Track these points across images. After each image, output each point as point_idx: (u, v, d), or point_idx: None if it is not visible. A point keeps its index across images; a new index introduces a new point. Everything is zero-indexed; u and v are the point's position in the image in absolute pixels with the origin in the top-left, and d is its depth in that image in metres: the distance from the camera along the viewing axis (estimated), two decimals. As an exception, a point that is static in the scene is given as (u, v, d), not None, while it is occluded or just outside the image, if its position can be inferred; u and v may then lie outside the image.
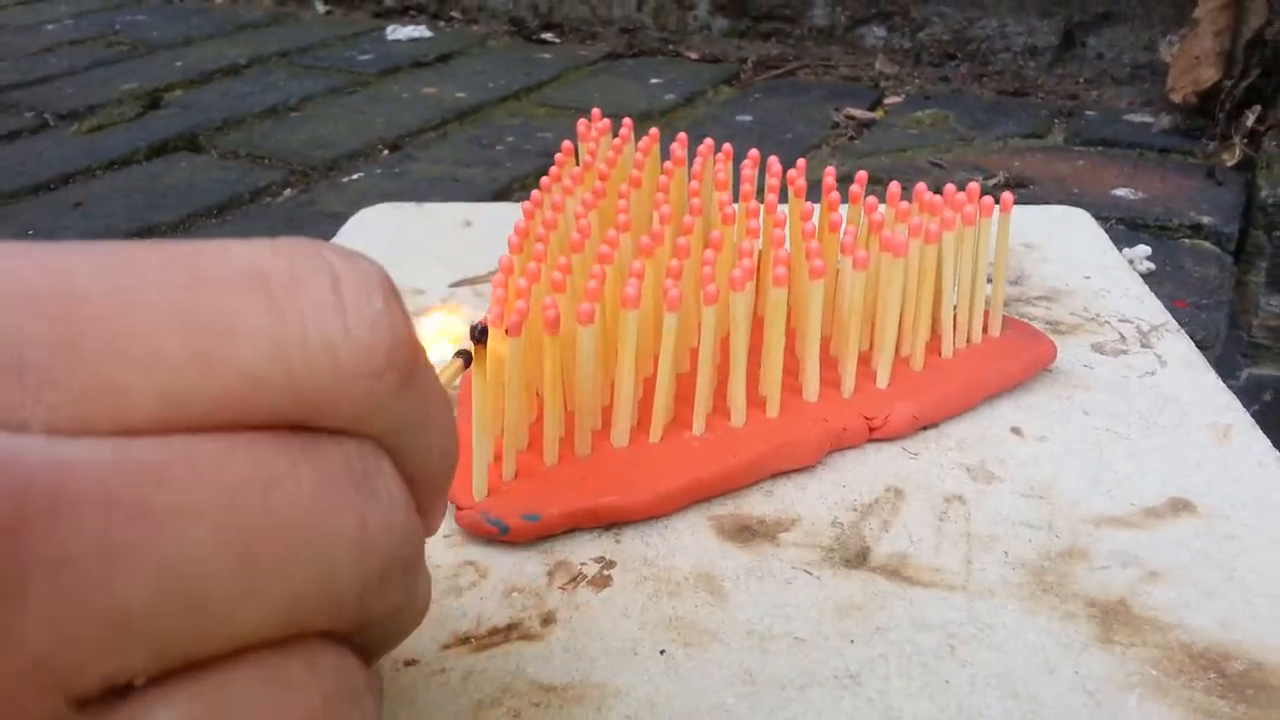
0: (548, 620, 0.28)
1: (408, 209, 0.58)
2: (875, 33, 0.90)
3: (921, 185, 0.38)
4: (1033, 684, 0.26)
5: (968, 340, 0.39)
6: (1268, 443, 0.36)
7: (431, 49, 1.01)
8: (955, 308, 0.39)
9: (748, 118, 0.79)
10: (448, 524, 0.32)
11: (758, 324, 0.36)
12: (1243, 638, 0.27)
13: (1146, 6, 0.79)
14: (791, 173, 0.41)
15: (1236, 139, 0.64)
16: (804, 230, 0.36)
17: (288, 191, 0.66)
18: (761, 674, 0.26)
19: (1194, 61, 0.70)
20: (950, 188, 0.38)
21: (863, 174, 0.40)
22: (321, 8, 1.19)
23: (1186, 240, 0.54)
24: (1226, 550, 0.30)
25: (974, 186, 0.38)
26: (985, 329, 0.40)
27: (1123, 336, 0.42)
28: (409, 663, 0.27)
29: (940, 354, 0.38)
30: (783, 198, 0.40)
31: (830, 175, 0.40)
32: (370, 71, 0.94)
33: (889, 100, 0.81)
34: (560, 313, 0.31)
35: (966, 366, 0.38)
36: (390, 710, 0.25)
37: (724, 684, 0.26)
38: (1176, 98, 0.69)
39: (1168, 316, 0.44)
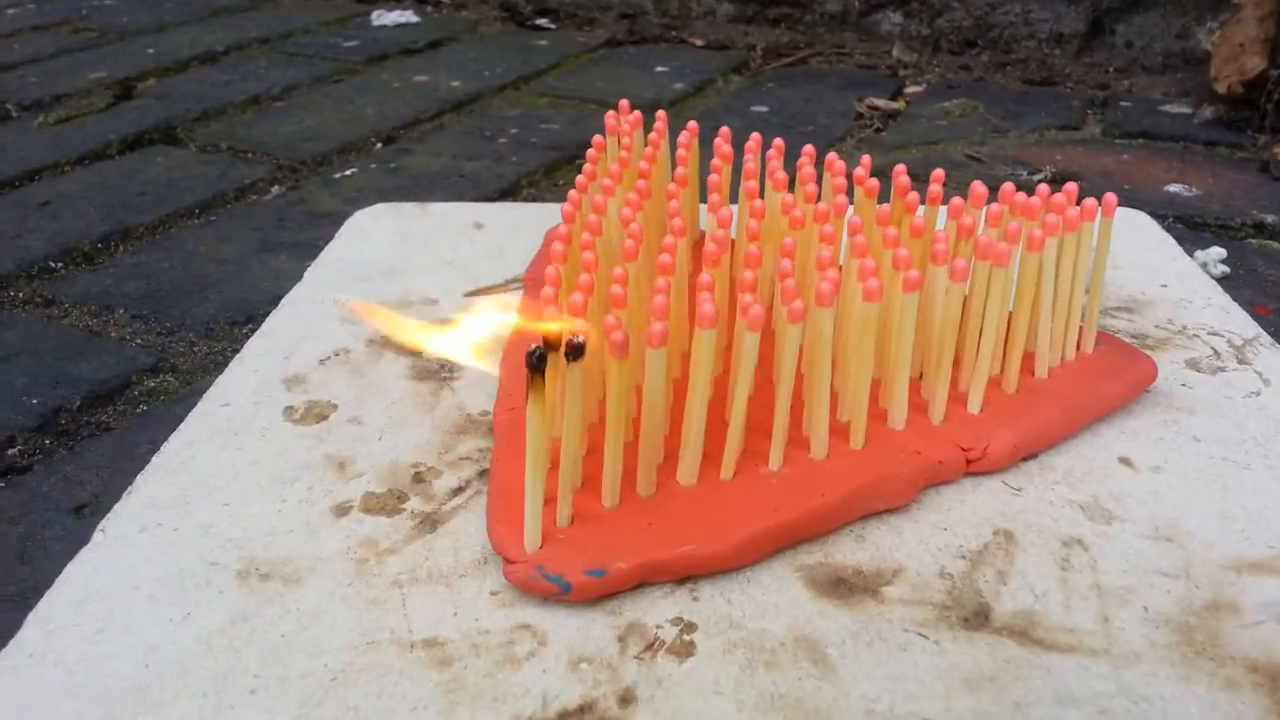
0: (626, 699, 0.24)
1: (409, 209, 0.54)
2: (891, 19, 0.86)
3: (1009, 185, 0.35)
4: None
5: (1062, 359, 0.35)
6: None
7: (420, 35, 0.96)
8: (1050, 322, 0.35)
9: (764, 108, 0.75)
10: (495, 578, 0.28)
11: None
12: None
13: (1180, -7, 0.76)
14: (858, 171, 0.37)
15: (1286, 131, 0.61)
16: (886, 237, 0.32)
17: (275, 189, 0.61)
18: (889, 766, 0.22)
19: (1238, 49, 0.67)
20: (1043, 188, 0.35)
21: (939, 172, 0.36)
22: (300, -8, 1.13)
23: (1253, 240, 0.51)
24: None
25: (1072, 187, 0.34)
26: (1079, 345, 0.36)
27: (1216, 352, 0.39)
28: (467, 756, 0.23)
29: (1034, 374, 0.35)
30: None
31: (902, 173, 0.36)
32: (357, 59, 0.90)
33: (910, 90, 0.77)
34: (628, 333, 0.27)
35: (1065, 389, 0.34)
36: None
37: (846, 779, 0.22)
38: (1221, 88, 0.66)
39: (1259, 329, 0.40)
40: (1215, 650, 0.25)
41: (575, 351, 0.26)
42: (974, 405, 0.33)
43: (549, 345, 0.26)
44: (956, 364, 0.33)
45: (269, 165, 0.65)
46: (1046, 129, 0.68)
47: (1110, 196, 0.35)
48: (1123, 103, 0.73)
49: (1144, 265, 0.46)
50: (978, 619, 0.26)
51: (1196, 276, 0.45)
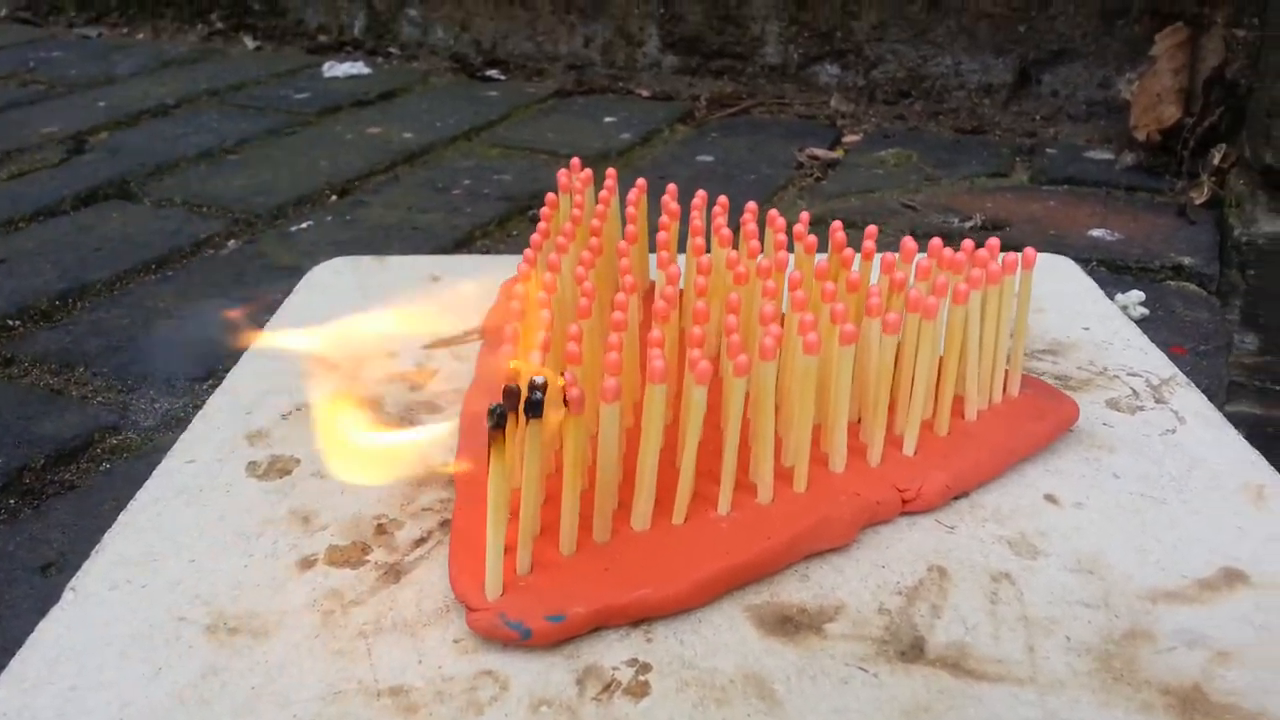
0: (586, 738, 0.25)
1: (367, 263, 0.55)
2: (829, 70, 0.90)
3: (937, 241, 0.37)
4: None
5: (989, 401, 0.38)
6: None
7: (372, 86, 0.98)
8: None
9: (709, 158, 0.77)
10: (458, 626, 0.29)
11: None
12: (1330, 726, 0.26)
13: (1100, 44, 0.80)
14: (798, 227, 0.39)
15: (1204, 177, 0.65)
16: (824, 291, 0.34)
17: (232, 243, 0.62)
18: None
19: (1155, 99, 0.71)
20: (968, 244, 0.37)
21: (873, 228, 0.39)
22: (251, 43, 1.15)
23: (1171, 282, 0.54)
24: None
25: (994, 242, 0.37)
26: (1005, 389, 0.38)
27: (1135, 392, 0.41)
28: (435, 798, 0.24)
29: (965, 417, 0.37)
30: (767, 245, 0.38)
31: (839, 229, 0.39)
32: (309, 110, 0.91)
33: (847, 139, 0.80)
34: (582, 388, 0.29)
35: (993, 431, 0.36)
36: None
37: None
38: (1140, 135, 0.70)
39: (1175, 369, 0.43)
40: (1132, 676, 0.27)
41: (534, 408, 0.27)
42: (909, 448, 0.35)
43: (509, 402, 0.28)
44: (892, 409, 0.35)
45: (224, 219, 0.65)
46: (977, 176, 0.71)
47: (1030, 251, 0.37)
48: (1049, 150, 0.77)
49: (1068, 309, 0.49)
50: (914, 652, 0.28)
51: (1117, 319, 0.48)
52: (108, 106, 0.91)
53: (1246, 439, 0.60)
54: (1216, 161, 0.65)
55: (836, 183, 0.71)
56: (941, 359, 0.36)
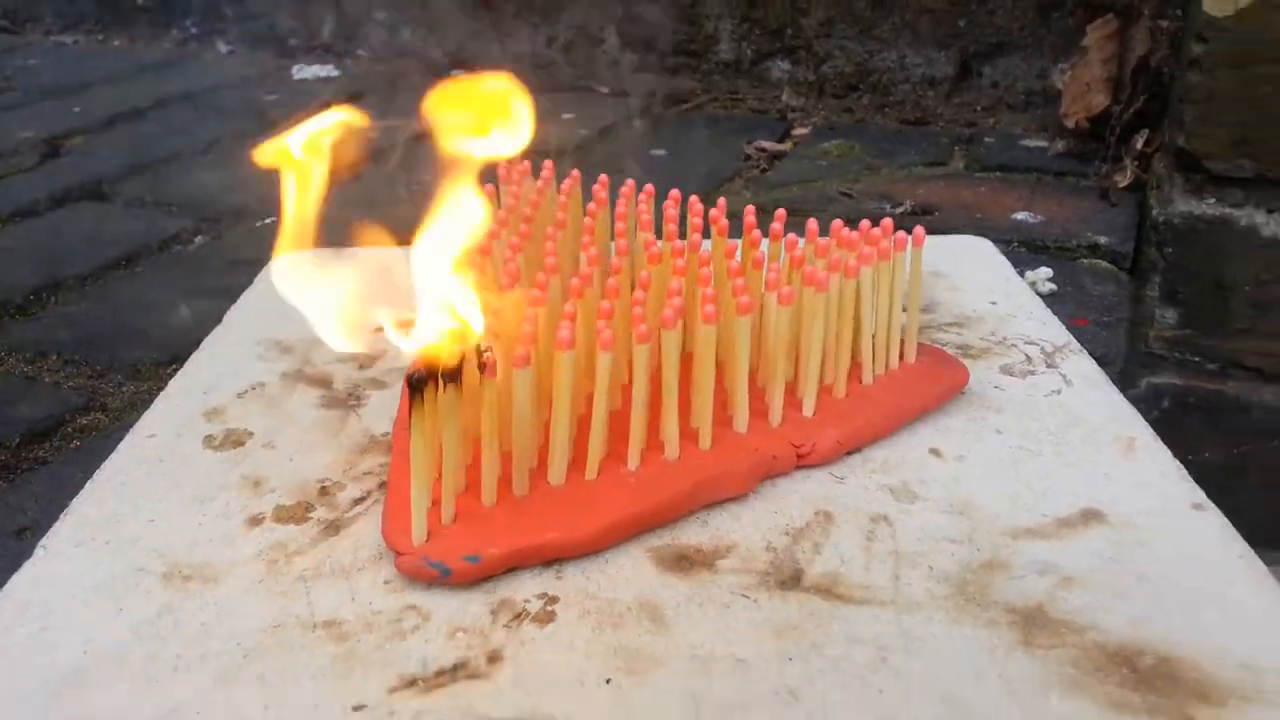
0: (494, 658, 0.29)
1: (326, 254, 0.58)
2: (780, 66, 0.93)
3: (839, 222, 0.41)
4: (961, 689, 0.28)
5: (886, 367, 0.41)
6: (1169, 454, 0.39)
7: (340, 89, 1.01)
8: (874, 337, 0.41)
9: (662, 151, 0.81)
10: (388, 570, 0.32)
11: (686, 359, 0.38)
12: (1152, 635, 0.29)
13: (1037, 37, 0.84)
14: (713, 212, 0.43)
15: (1128, 161, 0.68)
16: (729, 268, 0.38)
17: (199, 239, 0.65)
18: (705, 696, 0.27)
19: (1084, 88, 0.74)
20: (865, 224, 0.41)
21: (782, 211, 0.42)
22: (224, 48, 1.18)
23: (1085, 260, 0.58)
24: (1136, 556, 0.33)
25: (888, 222, 0.40)
26: (902, 356, 0.42)
27: (1029, 358, 0.45)
28: (357, 708, 0.27)
29: (861, 381, 0.40)
30: (706, 235, 0.42)
31: (750, 213, 0.42)
32: (278, 112, 0.94)
33: (797, 132, 0.84)
34: (497, 357, 0.32)
35: (887, 393, 0.40)
36: (344, 758, 0.26)
37: (669, 709, 0.27)
38: (1070, 123, 0.74)
39: (1070, 337, 0.47)
40: (983, 598, 0.31)
41: (450, 375, 0.31)
42: (808, 410, 0.39)
43: (428, 370, 0.31)
44: (797, 375, 0.39)
45: (193, 217, 0.69)
46: (915, 165, 0.75)
47: (919, 229, 0.41)
48: (986, 139, 0.81)
49: (979, 286, 0.52)
50: (792, 581, 0.32)
51: (1024, 294, 0.52)
52: (82, 111, 0.95)
53: (1167, 408, 0.64)
54: (1140, 146, 0.69)
55: (780, 173, 0.75)
56: (840, 329, 0.39)
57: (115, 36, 1.26)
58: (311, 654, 0.29)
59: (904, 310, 0.42)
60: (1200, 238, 0.63)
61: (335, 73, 1.07)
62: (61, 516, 0.36)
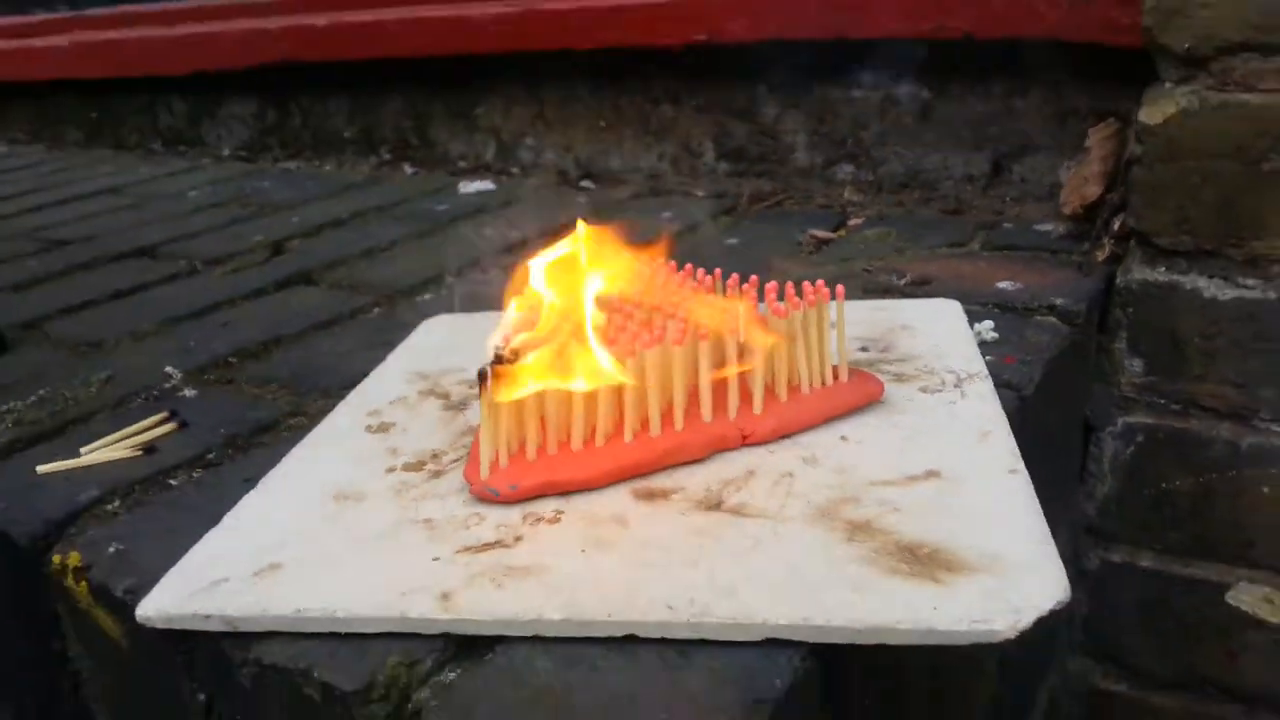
0: (519, 539, 0.47)
1: (462, 317, 0.80)
2: (844, 169, 1.10)
3: (790, 284, 0.57)
4: (801, 560, 0.44)
5: (822, 382, 0.58)
6: (1014, 443, 0.53)
7: (495, 199, 1.25)
8: (811, 360, 0.57)
9: (735, 240, 0.99)
10: (466, 497, 0.51)
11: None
12: (934, 539, 0.44)
13: (1057, 139, 0.98)
14: (706, 277, 0.61)
15: (1105, 240, 0.81)
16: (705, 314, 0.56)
17: (376, 310, 0.88)
18: (640, 561, 0.45)
19: (1083, 181, 0.88)
20: (806, 284, 0.58)
21: (773, 283, 0.59)
22: (409, 170, 1.45)
23: (1037, 317, 0.72)
24: (949, 497, 0.48)
25: (821, 283, 0.57)
26: (836, 376, 0.58)
27: (944, 382, 0.60)
28: (434, 559, 0.46)
29: (800, 391, 0.57)
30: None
31: (753, 284, 0.59)
32: (445, 219, 1.18)
33: (852, 222, 1.01)
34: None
35: (816, 399, 0.56)
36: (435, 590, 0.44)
37: (618, 566, 0.44)
38: (1066, 210, 0.87)
39: (982, 369, 0.61)
40: (834, 518, 0.47)
41: (496, 363, 0.50)
42: (757, 408, 0.55)
43: (493, 366, 0.50)
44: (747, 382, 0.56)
45: (375, 295, 0.92)
46: (939, 247, 0.90)
47: (840, 286, 0.57)
48: (1006, 225, 0.95)
49: (932, 334, 0.67)
50: (714, 506, 0.48)
51: (965, 340, 0.66)
52: (300, 221, 1.21)
53: (1141, 442, 0.77)
54: (1116, 227, 0.82)
55: (824, 256, 0.92)
56: (779, 354, 0.56)
57: (327, 163, 1.55)
58: (414, 534, 0.48)
59: (864, 350, 0.58)
60: (1155, 300, 0.76)
61: (493, 187, 1.31)
62: (273, 470, 0.56)
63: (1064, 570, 0.41)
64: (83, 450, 0.62)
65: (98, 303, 0.95)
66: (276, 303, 0.92)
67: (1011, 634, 0.38)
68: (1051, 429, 0.71)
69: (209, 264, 1.07)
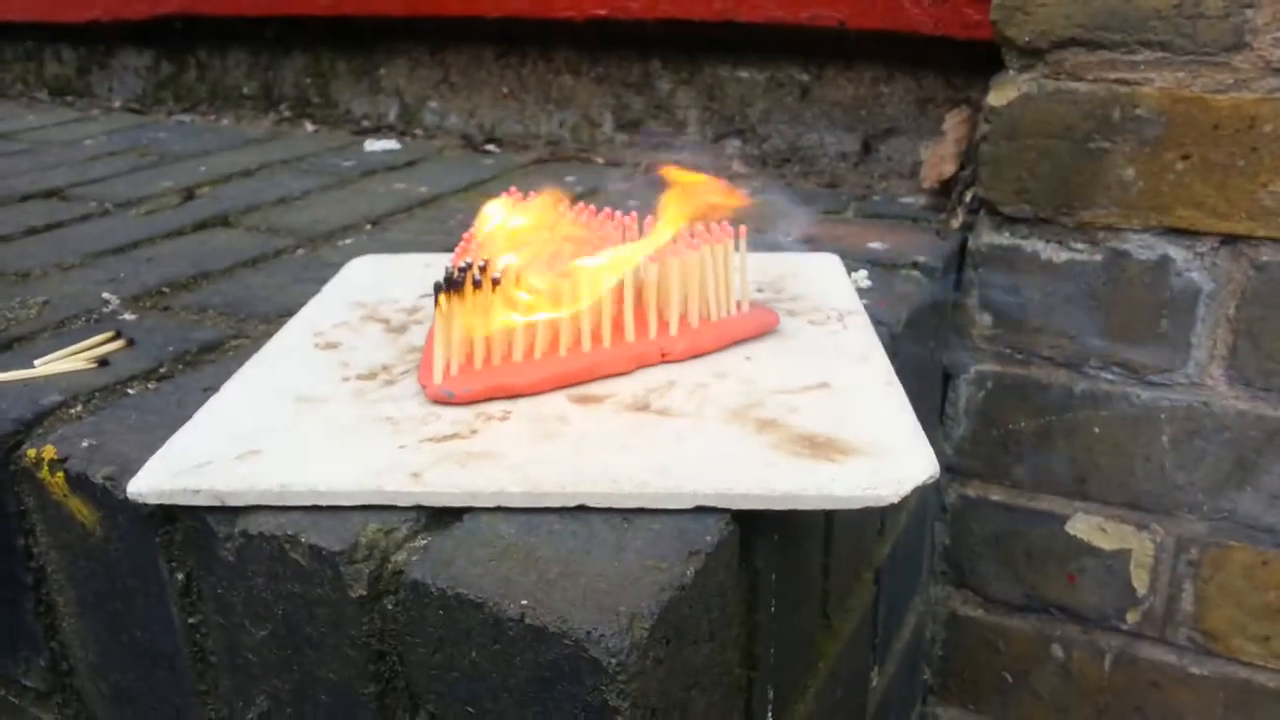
0: (473, 432, 0.52)
1: (385, 258, 0.84)
2: (733, 144, 1.19)
3: (699, 225, 0.65)
4: (723, 449, 0.51)
5: (728, 313, 0.65)
6: (889, 364, 0.61)
7: (400, 158, 1.28)
8: (718, 293, 0.64)
9: (635, 202, 1.06)
10: (422, 400, 0.56)
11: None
12: (828, 430, 0.52)
13: (918, 123, 1.08)
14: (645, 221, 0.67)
15: (959, 209, 0.92)
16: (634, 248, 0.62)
17: (299, 251, 0.91)
18: (583, 448, 0.51)
19: (939, 160, 0.98)
20: (712, 225, 0.65)
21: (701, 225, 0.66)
22: (310, 128, 1.45)
23: (903, 271, 0.81)
24: (838, 401, 0.56)
25: (725, 223, 0.64)
26: (740, 307, 0.66)
27: (828, 317, 0.68)
28: (400, 446, 0.51)
29: (710, 318, 0.64)
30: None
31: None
32: (353, 174, 1.21)
33: (740, 192, 1.09)
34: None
35: (724, 325, 0.63)
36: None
37: (564, 452, 0.50)
38: (925, 185, 0.97)
39: (859, 308, 0.70)
40: (744, 417, 0.54)
41: (450, 283, 0.55)
42: (673, 331, 0.62)
43: (447, 281, 0.56)
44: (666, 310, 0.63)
45: (296, 239, 0.94)
46: (815, 214, 0.99)
47: (743, 227, 0.65)
48: (875, 197, 1.05)
49: (818, 280, 0.76)
50: (642, 408, 0.55)
51: (845, 286, 0.75)
52: (207, 170, 1.21)
53: (991, 388, 0.87)
54: (968, 199, 0.92)
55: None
56: (692, 286, 0.63)
57: (224, 117, 1.54)
58: (378, 430, 0.53)
59: (760, 291, 0.65)
60: (1001, 261, 0.87)
61: (397, 146, 1.33)
62: (232, 377, 0.60)
63: (934, 455, 0.50)
64: (36, 363, 0.64)
65: (14, 238, 0.95)
66: (196, 242, 0.93)
67: (895, 499, 0.46)
68: (917, 367, 0.81)
69: (120, 206, 1.06)
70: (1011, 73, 0.83)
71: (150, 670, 0.55)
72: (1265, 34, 0.74)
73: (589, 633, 0.39)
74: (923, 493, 0.50)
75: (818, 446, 0.51)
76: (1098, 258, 0.83)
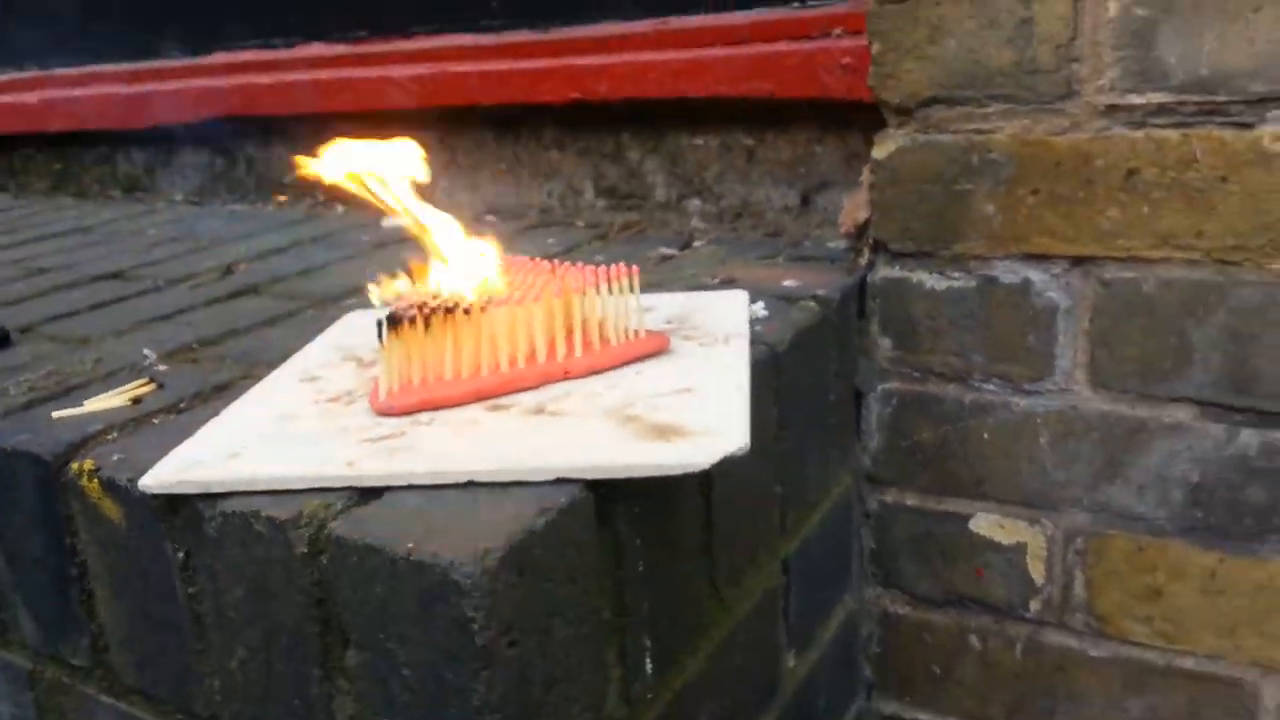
0: (403, 434, 0.66)
1: (374, 311, 0.99)
2: (693, 203, 1.33)
3: (591, 267, 0.78)
4: (590, 438, 0.64)
5: (626, 338, 0.78)
6: (747, 372, 0.74)
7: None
8: (614, 322, 0.78)
9: (601, 258, 1.20)
10: (371, 416, 0.71)
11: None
12: (677, 421, 0.65)
13: (848, 177, 1.22)
14: (544, 262, 0.82)
15: (864, 248, 1.04)
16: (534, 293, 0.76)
17: (309, 311, 1.07)
18: (483, 442, 0.65)
19: (856, 206, 1.11)
20: (612, 266, 0.79)
21: (604, 269, 0.80)
22: (340, 210, 1.64)
23: (802, 302, 0.94)
24: (694, 399, 0.69)
25: (622, 265, 0.78)
26: (637, 334, 0.79)
27: (716, 339, 0.81)
28: (345, 446, 0.66)
29: (610, 343, 0.78)
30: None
31: (595, 271, 0.80)
32: (368, 246, 1.38)
33: (696, 243, 1.23)
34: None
35: (620, 348, 0.77)
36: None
37: (467, 445, 0.64)
38: (843, 230, 1.10)
39: (744, 332, 0.83)
40: (617, 414, 0.67)
41: (393, 321, 0.70)
42: (577, 353, 0.76)
43: (391, 319, 0.70)
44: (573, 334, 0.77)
45: (309, 301, 1.11)
46: (754, 259, 1.12)
47: (623, 266, 0.78)
48: (807, 243, 1.18)
49: (719, 312, 0.89)
50: (539, 412, 0.69)
51: (741, 315, 0.88)
52: (246, 249, 1.40)
53: (896, 405, 0.99)
54: (870, 239, 1.05)
55: (667, 267, 1.13)
56: (592, 316, 0.77)
57: (268, 204, 1.74)
58: (333, 436, 0.67)
59: (669, 323, 0.79)
60: (894, 292, 0.99)
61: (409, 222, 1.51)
62: (231, 405, 0.75)
63: (749, 435, 0.62)
64: (85, 403, 0.80)
65: (81, 312, 1.13)
66: (229, 308, 1.10)
67: (707, 464, 0.59)
68: (811, 383, 0.93)
69: (171, 283, 1.25)
70: (890, 129, 0.96)
71: (163, 637, 0.70)
72: (1089, 83, 0.86)
73: (452, 561, 0.52)
74: (844, 494, 0.62)
75: (663, 432, 0.64)
76: (972, 284, 0.95)
